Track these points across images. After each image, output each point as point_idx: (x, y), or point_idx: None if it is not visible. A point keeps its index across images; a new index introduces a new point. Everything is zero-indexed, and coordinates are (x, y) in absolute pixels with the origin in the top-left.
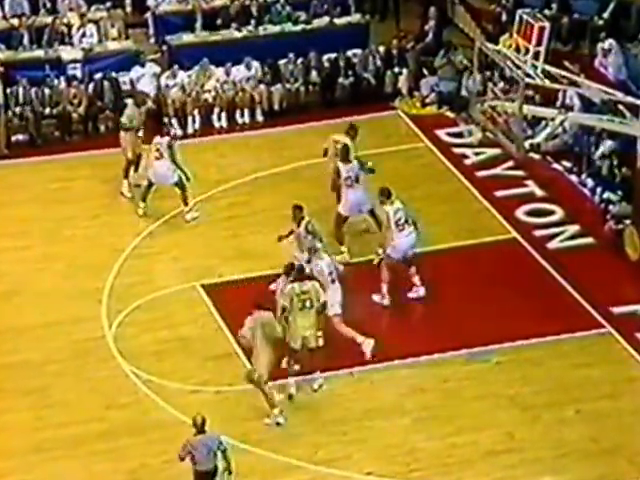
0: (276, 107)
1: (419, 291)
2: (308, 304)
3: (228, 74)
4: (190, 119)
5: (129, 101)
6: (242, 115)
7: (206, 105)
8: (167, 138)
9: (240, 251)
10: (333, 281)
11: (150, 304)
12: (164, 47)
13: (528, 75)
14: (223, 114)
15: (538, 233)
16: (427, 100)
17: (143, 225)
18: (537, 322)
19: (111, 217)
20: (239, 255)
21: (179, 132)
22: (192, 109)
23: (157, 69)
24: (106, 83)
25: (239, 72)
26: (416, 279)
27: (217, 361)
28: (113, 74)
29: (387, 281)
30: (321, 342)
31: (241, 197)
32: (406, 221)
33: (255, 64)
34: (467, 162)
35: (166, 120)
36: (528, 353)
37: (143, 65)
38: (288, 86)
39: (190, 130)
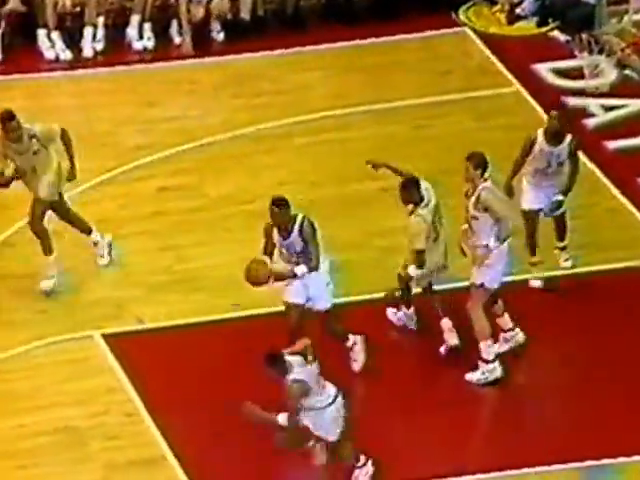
0: (245, 16)
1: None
2: (442, 234)
3: None
4: (89, 32)
5: None
6: (181, 30)
7: (118, 9)
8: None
9: (176, 274)
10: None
11: (13, 366)
12: None
13: None
14: (147, 26)
15: None
16: (518, 10)
17: None
18: None
19: None
20: (174, 281)
21: (66, 55)
22: (91, 16)
23: None
24: None
25: None
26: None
27: (132, 471)
28: None
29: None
30: None
31: (179, 178)
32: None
33: None
34: (590, 123)
35: (42, 32)
36: None
37: None
38: None
39: (87, 52)
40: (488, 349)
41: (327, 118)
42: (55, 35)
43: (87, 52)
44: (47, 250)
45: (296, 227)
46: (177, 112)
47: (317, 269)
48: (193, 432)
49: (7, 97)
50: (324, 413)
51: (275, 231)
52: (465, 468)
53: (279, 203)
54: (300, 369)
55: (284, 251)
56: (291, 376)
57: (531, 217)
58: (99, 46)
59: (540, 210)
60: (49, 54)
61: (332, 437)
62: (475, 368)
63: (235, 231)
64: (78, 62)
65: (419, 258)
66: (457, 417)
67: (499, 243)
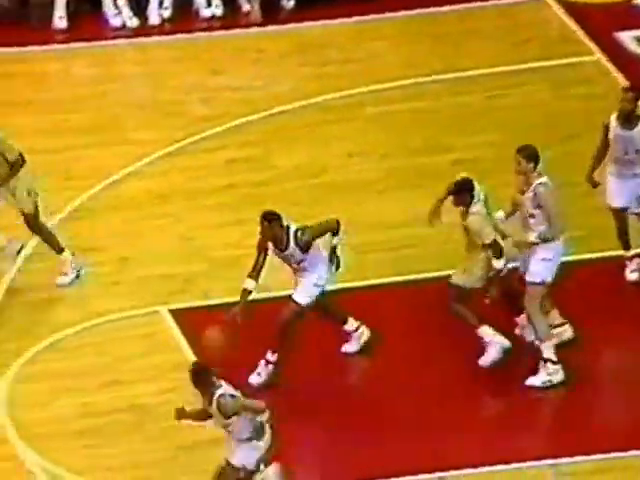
0: None
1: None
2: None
3: None
4: None
5: None
6: None
7: None
8: None
9: (244, 249)
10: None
11: (77, 342)
12: None
13: None
14: None
15: None
16: None
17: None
18: None
19: None
20: (242, 256)
21: (132, 23)
22: None
23: None
24: None
25: None
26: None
27: (199, 450)
28: None
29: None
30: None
31: (247, 150)
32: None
33: None
34: None
35: None
36: None
37: None
38: None
39: (154, 20)
40: (551, 350)
41: (398, 88)
42: (122, 2)
43: (154, 19)
44: (57, 249)
45: (291, 240)
46: (243, 81)
47: (330, 269)
48: None
49: (73, 65)
50: (249, 444)
51: (270, 245)
52: (535, 453)
53: (270, 218)
54: (228, 386)
55: (284, 261)
56: (219, 391)
57: (618, 214)
58: (166, 13)
59: (627, 208)
60: (115, 21)
61: (249, 467)
62: (535, 372)
63: (303, 204)
64: (145, 29)
65: (495, 249)
66: (517, 403)
67: (540, 240)
